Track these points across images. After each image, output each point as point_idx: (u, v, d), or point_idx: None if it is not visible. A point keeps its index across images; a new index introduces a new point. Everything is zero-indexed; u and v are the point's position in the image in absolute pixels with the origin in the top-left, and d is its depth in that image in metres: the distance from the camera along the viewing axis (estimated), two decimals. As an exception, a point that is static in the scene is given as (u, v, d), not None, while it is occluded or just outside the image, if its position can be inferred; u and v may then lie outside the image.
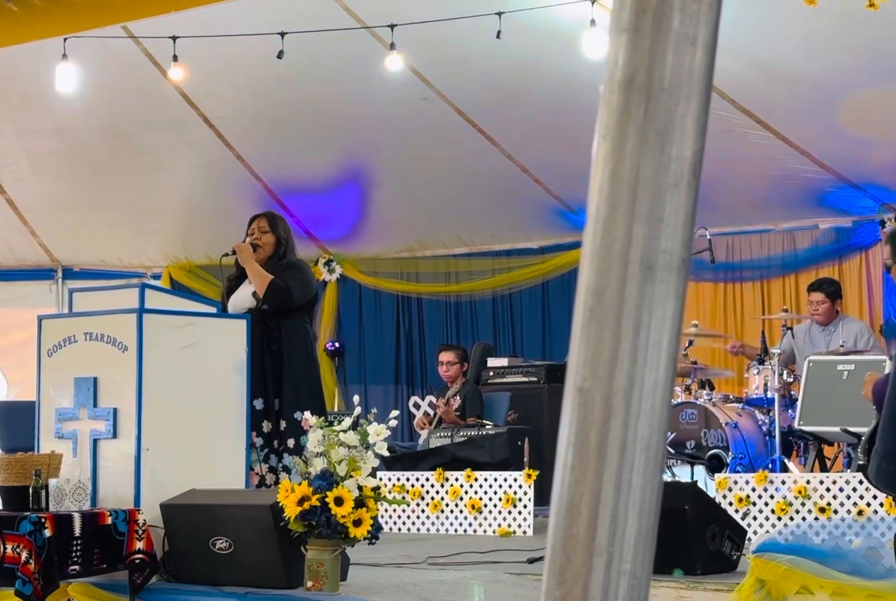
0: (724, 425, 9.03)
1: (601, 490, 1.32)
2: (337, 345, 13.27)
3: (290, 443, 6.96)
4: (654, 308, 1.37)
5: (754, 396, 9.32)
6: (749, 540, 6.36)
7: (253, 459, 6.89)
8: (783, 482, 7.50)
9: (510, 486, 8.46)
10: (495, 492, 8.53)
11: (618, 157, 1.40)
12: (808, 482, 7.37)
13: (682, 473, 8.92)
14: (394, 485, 8.87)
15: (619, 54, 1.43)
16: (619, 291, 1.37)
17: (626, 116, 1.41)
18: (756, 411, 9.30)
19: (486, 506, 8.54)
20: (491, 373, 10.89)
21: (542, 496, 8.46)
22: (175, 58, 10.49)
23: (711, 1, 1.44)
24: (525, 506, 8.40)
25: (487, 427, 9.98)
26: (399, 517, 8.91)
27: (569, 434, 1.34)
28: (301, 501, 5.39)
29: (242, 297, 7.15)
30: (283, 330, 7.08)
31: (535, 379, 10.54)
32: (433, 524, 8.74)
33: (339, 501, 5.39)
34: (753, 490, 7.49)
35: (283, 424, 6.97)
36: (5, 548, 5.51)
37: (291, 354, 7.07)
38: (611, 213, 1.39)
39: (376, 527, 5.51)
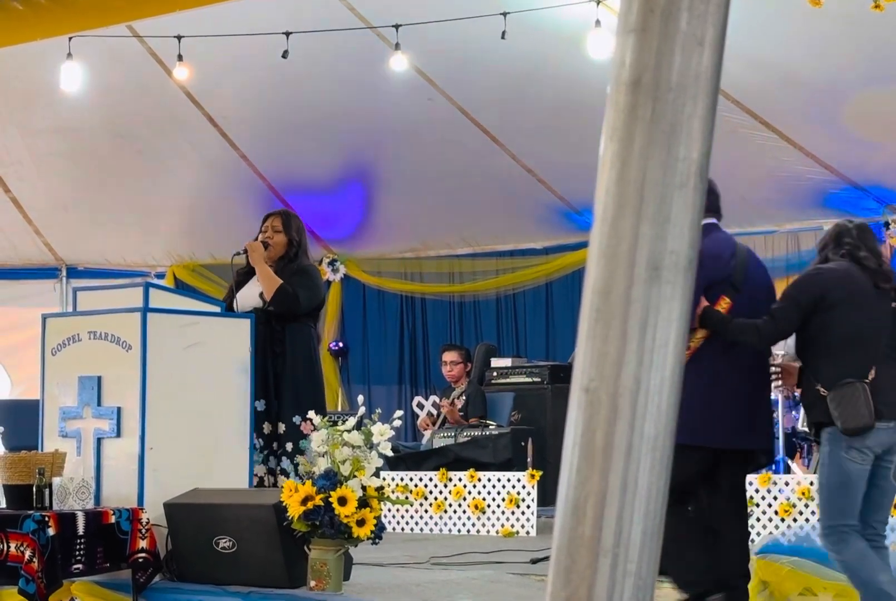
0: (727, 426, 9.00)
1: (607, 491, 1.32)
2: (340, 344, 13.27)
3: (289, 446, 6.94)
4: (661, 309, 1.37)
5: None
6: (752, 541, 6.36)
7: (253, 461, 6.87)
8: (787, 483, 7.50)
9: (513, 487, 8.46)
10: (498, 493, 8.53)
11: (625, 157, 1.40)
12: (811, 483, 7.37)
13: (686, 474, 8.91)
14: (397, 485, 8.87)
15: (627, 55, 1.42)
16: (626, 292, 1.37)
17: (633, 117, 1.40)
18: (760, 412, 9.28)
19: (489, 506, 8.54)
20: (494, 374, 10.89)
21: (545, 496, 8.46)
22: (180, 57, 10.49)
23: (719, 1, 1.44)
24: (528, 507, 8.40)
25: (491, 427, 9.98)
26: (402, 517, 8.91)
27: (575, 434, 1.34)
28: (304, 501, 5.39)
29: (250, 296, 7.13)
30: (288, 332, 7.05)
31: (538, 379, 10.54)
32: (436, 524, 8.74)
33: (342, 501, 5.39)
34: (757, 491, 7.49)
35: (281, 427, 6.96)
36: (9, 547, 5.51)
37: (294, 357, 7.04)
38: (618, 213, 1.39)
39: (379, 527, 5.51)
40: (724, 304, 5.27)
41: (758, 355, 5.37)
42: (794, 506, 7.35)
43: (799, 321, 5.15)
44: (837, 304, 5.12)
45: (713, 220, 5.47)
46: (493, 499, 8.54)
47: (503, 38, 9.78)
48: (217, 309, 6.54)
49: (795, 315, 5.15)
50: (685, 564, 5.24)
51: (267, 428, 6.94)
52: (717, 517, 5.35)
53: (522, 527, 8.40)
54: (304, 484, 5.47)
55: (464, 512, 8.64)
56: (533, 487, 8.36)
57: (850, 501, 5.00)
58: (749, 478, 7.67)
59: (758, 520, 7.43)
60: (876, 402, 4.95)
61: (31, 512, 5.58)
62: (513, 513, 8.45)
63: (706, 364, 5.21)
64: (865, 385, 4.97)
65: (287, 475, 6.74)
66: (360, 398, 5.94)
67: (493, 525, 8.51)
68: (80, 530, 5.61)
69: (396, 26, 10.16)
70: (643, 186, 1.39)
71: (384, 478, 7.91)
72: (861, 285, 5.15)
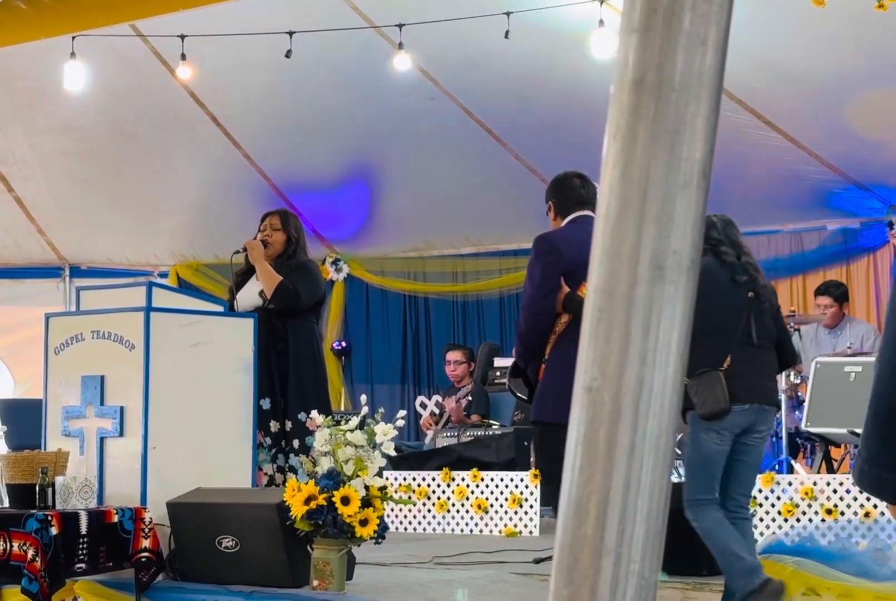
0: (730, 426, 9.00)
1: (610, 490, 1.32)
2: (343, 344, 13.27)
3: (296, 443, 6.95)
4: (664, 308, 1.37)
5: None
6: (756, 541, 6.35)
7: (262, 459, 6.88)
8: (790, 483, 7.49)
9: (516, 486, 8.45)
10: (501, 493, 8.52)
11: (628, 157, 1.40)
12: (814, 483, 7.37)
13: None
14: (400, 484, 8.87)
15: (630, 54, 1.42)
16: (629, 292, 1.37)
17: (637, 116, 1.40)
18: (763, 412, 9.27)
19: (492, 506, 8.53)
20: (497, 374, 10.88)
21: (547, 496, 8.44)
22: (183, 56, 10.49)
23: (722, 1, 1.44)
24: (531, 507, 8.39)
25: (494, 427, 9.97)
26: (405, 517, 8.91)
27: (577, 434, 1.34)
28: (307, 500, 5.39)
29: (250, 296, 7.14)
30: (290, 330, 7.07)
31: (541, 379, 10.53)
32: (439, 524, 8.74)
33: (345, 501, 5.39)
34: (760, 491, 7.48)
35: (288, 425, 6.97)
36: (12, 546, 5.51)
37: (297, 354, 7.06)
38: (621, 213, 1.39)
39: (382, 527, 5.51)
40: (585, 289, 5.43)
41: None
42: (797, 506, 7.34)
43: None
44: (696, 299, 5.38)
45: (584, 212, 6.09)
46: (496, 499, 8.53)
47: (507, 37, 9.78)
48: (220, 308, 6.54)
49: None
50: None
51: (274, 426, 6.95)
52: None
53: (525, 526, 8.39)
54: (307, 483, 5.48)
55: (466, 511, 8.64)
56: (536, 487, 8.36)
57: (709, 477, 5.44)
58: (752, 477, 7.67)
59: (761, 520, 7.43)
60: (732, 387, 5.35)
61: (34, 511, 5.58)
62: (515, 512, 8.44)
63: (569, 346, 5.58)
64: (720, 373, 5.37)
65: (295, 472, 6.75)
66: (363, 397, 5.94)
67: (495, 525, 8.51)
68: (83, 529, 5.61)
69: (400, 26, 10.17)
70: (646, 186, 1.39)
71: (387, 478, 7.91)
72: (718, 280, 5.54)
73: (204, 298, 6.89)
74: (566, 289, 5.88)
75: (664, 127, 1.39)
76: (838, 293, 9.87)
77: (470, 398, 10.57)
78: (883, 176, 10.75)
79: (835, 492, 7.27)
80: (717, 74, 1.43)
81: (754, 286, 5.59)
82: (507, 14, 9.76)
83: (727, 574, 5.37)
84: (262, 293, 7.09)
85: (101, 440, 6.10)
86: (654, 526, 1.31)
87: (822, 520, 7.01)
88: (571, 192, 6.29)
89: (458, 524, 8.68)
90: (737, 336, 5.48)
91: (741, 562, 5.29)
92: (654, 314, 1.36)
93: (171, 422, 6.07)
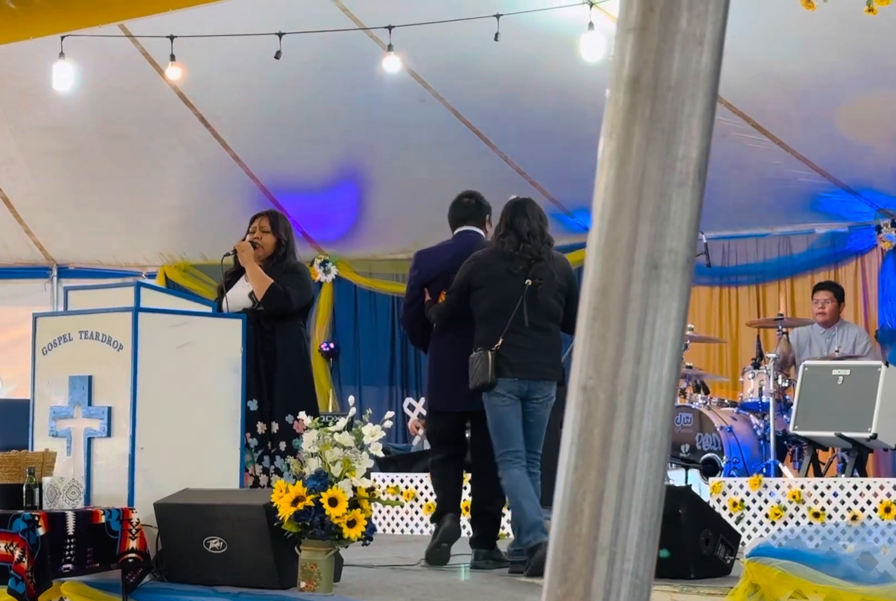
0: (718, 429, 9.02)
1: (604, 489, 1.32)
2: (332, 345, 13.25)
3: (282, 445, 6.93)
4: (660, 307, 1.37)
5: (749, 401, 9.32)
6: (743, 544, 6.37)
7: (247, 460, 6.86)
8: (777, 487, 7.50)
9: (504, 489, 8.44)
10: (489, 495, 8.50)
11: (624, 156, 1.40)
12: (802, 487, 7.38)
13: (677, 477, 8.91)
14: (388, 486, 8.86)
15: (626, 53, 1.42)
16: (625, 290, 1.37)
17: (633, 115, 1.40)
18: (751, 415, 9.29)
19: (479, 508, 8.51)
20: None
21: (539, 498, 8.43)
22: (172, 57, 10.48)
23: (719, 1, 1.44)
24: (518, 509, 8.37)
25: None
26: (393, 518, 8.90)
27: (572, 432, 1.34)
28: (295, 502, 5.39)
29: (239, 297, 7.12)
30: (277, 332, 7.05)
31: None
32: (427, 526, 8.73)
33: (333, 502, 5.38)
34: (748, 494, 7.49)
35: (275, 427, 6.95)
36: (-2, 546, 5.50)
37: (285, 356, 7.05)
38: (616, 211, 1.39)
39: (370, 528, 5.51)
40: (443, 297, 6.73)
41: (465, 334, 6.52)
42: (784, 509, 7.35)
43: (458, 300, 6.56)
44: (478, 288, 6.49)
45: (466, 227, 7.22)
46: (484, 501, 8.51)
47: (496, 39, 9.78)
48: (208, 309, 6.54)
49: (454, 296, 6.60)
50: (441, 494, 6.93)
51: (261, 427, 6.93)
52: (474, 462, 6.84)
53: (513, 528, 8.37)
54: (294, 484, 5.47)
55: (454, 513, 8.62)
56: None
57: (505, 433, 6.37)
58: (739, 481, 7.69)
59: (748, 523, 7.44)
60: (501, 363, 6.29)
61: (21, 511, 5.57)
62: (503, 515, 8.43)
63: (437, 346, 6.80)
64: (489, 352, 6.30)
65: (281, 474, 6.74)
66: (351, 399, 5.94)
67: (483, 527, 8.48)
68: (70, 530, 5.60)
69: (389, 27, 10.16)
70: (642, 185, 1.39)
71: (375, 480, 7.90)
72: (495, 270, 6.48)
73: (192, 299, 6.88)
74: (427, 297, 6.80)
75: (660, 126, 1.39)
76: (838, 290, 9.94)
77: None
78: (871, 180, 10.77)
79: (822, 495, 7.29)
80: (713, 74, 1.43)
81: (534, 273, 6.36)
82: (497, 16, 9.75)
83: (516, 529, 6.30)
84: (251, 295, 7.08)
85: (89, 440, 6.09)
86: (649, 524, 1.31)
87: (810, 524, 7.02)
88: (459, 211, 7.41)
89: (445, 526, 8.66)
90: (510, 321, 6.31)
91: (526, 520, 6.18)
92: (649, 313, 1.36)
93: (159, 423, 6.06)
